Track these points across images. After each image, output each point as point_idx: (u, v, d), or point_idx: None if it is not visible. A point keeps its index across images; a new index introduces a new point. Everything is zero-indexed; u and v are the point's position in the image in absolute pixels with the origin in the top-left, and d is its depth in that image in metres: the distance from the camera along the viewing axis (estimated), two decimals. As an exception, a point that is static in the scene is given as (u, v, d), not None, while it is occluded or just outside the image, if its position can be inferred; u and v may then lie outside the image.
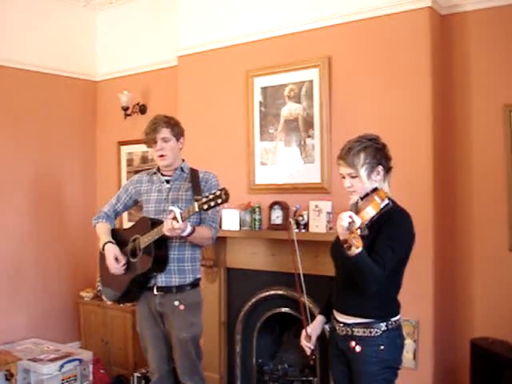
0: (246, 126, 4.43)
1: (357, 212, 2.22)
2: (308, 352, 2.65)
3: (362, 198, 2.43)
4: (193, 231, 3.05)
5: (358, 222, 2.13)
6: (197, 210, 2.88)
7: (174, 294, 3.23)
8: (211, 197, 2.85)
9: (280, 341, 4.65)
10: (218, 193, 2.84)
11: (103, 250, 3.33)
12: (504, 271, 3.65)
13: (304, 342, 2.65)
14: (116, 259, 3.26)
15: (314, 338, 2.65)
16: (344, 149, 2.49)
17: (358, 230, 2.13)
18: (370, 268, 2.26)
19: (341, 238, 2.19)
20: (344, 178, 2.50)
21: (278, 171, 4.30)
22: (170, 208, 2.96)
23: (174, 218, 2.90)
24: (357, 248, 2.12)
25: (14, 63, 5.17)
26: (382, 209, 2.36)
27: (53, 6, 5.48)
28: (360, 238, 2.12)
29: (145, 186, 3.42)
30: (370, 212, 2.24)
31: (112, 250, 3.28)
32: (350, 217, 2.12)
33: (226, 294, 4.53)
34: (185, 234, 3.01)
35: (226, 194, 2.83)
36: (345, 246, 2.14)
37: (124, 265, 3.27)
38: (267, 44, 4.35)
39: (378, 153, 2.47)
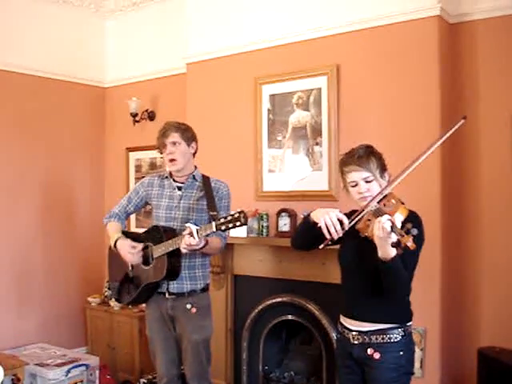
0: (254, 133, 4.45)
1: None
2: (335, 235, 2.36)
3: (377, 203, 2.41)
4: (206, 244, 3.07)
5: (398, 221, 2.17)
6: (214, 230, 2.91)
7: (185, 298, 3.25)
8: (229, 218, 2.87)
9: (286, 348, 4.64)
10: (237, 215, 2.86)
11: (115, 246, 3.30)
12: (512, 280, 3.64)
13: (344, 220, 2.38)
14: (131, 248, 3.23)
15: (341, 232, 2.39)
16: (352, 155, 2.52)
17: (409, 232, 2.13)
18: (402, 270, 2.30)
19: (379, 239, 2.20)
20: (356, 185, 2.49)
21: (286, 178, 4.31)
22: (187, 225, 2.97)
23: (191, 234, 2.92)
24: (412, 248, 2.10)
25: (24, 69, 5.20)
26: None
27: (63, 13, 5.52)
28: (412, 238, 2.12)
29: (156, 190, 3.42)
30: (398, 218, 2.24)
31: (125, 243, 3.26)
32: (390, 219, 2.14)
33: (232, 301, 4.53)
34: (198, 247, 3.03)
35: (245, 217, 2.85)
36: (393, 247, 2.15)
37: (140, 251, 3.24)
38: (276, 52, 4.36)
39: (381, 158, 2.55)
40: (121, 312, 5.14)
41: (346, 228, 2.37)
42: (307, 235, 2.55)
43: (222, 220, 2.89)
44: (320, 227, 2.39)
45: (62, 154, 5.58)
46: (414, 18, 3.72)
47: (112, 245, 3.34)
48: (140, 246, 3.25)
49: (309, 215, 2.55)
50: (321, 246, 2.40)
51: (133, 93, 5.53)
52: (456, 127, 2.37)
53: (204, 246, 3.06)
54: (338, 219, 2.37)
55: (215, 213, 3.02)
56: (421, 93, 3.71)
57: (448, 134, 2.38)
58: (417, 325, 3.51)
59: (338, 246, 2.66)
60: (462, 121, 2.38)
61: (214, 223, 2.90)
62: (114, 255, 3.46)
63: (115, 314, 5.22)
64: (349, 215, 2.57)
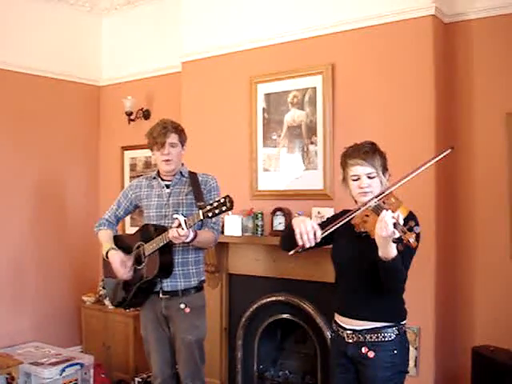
0: (249, 132, 4.44)
1: None
2: (306, 243, 2.40)
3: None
4: (195, 236, 3.08)
5: (401, 218, 2.16)
6: (202, 217, 2.92)
7: (179, 298, 3.26)
8: (215, 204, 2.88)
9: (281, 347, 4.64)
10: (223, 200, 2.87)
11: (107, 257, 3.33)
12: (505, 279, 3.64)
13: (317, 231, 2.41)
14: (122, 263, 3.27)
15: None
16: (358, 149, 2.52)
17: (412, 229, 2.14)
18: (401, 270, 2.31)
19: (382, 238, 2.19)
20: (358, 179, 2.50)
21: (281, 177, 4.31)
22: (175, 216, 2.98)
23: (179, 226, 2.93)
24: (414, 245, 2.12)
25: (19, 67, 5.19)
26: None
27: (58, 11, 5.50)
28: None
29: (144, 191, 3.43)
30: (399, 216, 2.24)
31: (116, 256, 3.29)
32: (393, 217, 2.14)
33: (227, 300, 4.53)
34: (188, 239, 3.04)
35: (231, 201, 2.87)
36: (395, 244, 2.16)
37: (131, 267, 3.28)
38: (271, 50, 4.36)
39: (385, 157, 2.56)
40: (115, 311, 5.13)
41: (318, 239, 2.41)
42: (289, 239, 2.55)
43: (209, 207, 2.89)
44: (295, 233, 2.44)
45: (57, 152, 5.57)
46: (409, 18, 3.72)
47: (104, 255, 3.37)
48: (130, 262, 3.29)
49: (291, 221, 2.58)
50: (291, 252, 2.48)
51: (128, 91, 5.52)
52: (442, 155, 2.40)
53: (194, 239, 3.07)
54: (313, 228, 2.40)
55: (202, 203, 3.02)
56: (416, 92, 3.71)
57: (434, 161, 2.41)
58: (411, 324, 3.51)
59: (330, 246, 2.68)
60: (450, 150, 2.40)
61: (200, 211, 2.91)
62: (108, 262, 3.47)
63: (110, 312, 5.21)
64: (340, 215, 2.58)
